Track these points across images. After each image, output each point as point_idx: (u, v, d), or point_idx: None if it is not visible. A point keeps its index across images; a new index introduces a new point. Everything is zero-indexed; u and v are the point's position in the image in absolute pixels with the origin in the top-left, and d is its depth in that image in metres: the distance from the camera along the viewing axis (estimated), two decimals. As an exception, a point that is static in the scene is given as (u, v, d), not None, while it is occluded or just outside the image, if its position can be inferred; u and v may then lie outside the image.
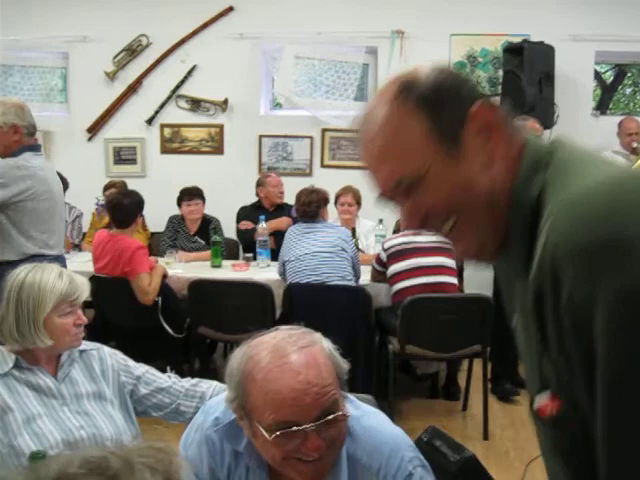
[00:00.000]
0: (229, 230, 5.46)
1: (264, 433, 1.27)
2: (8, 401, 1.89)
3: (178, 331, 4.28)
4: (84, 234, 5.57)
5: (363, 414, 1.46)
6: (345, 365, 1.36)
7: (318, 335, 1.38)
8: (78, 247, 5.42)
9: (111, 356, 2.11)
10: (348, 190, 5.08)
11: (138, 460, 0.76)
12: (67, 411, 1.95)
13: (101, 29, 6.24)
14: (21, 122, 3.27)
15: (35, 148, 3.42)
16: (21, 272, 1.97)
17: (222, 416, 1.45)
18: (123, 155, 6.42)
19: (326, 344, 1.36)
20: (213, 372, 4.42)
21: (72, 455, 0.74)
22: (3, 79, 6.71)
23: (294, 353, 1.29)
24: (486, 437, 3.98)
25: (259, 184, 5.41)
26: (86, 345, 2.09)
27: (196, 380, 2.15)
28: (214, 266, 4.79)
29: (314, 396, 1.25)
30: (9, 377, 1.93)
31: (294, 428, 1.25)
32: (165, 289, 4.24)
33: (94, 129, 6.44)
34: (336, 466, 1.38)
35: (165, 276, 4.27)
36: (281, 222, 5.03)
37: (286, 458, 1.30)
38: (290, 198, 4.90)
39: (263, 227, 4.82)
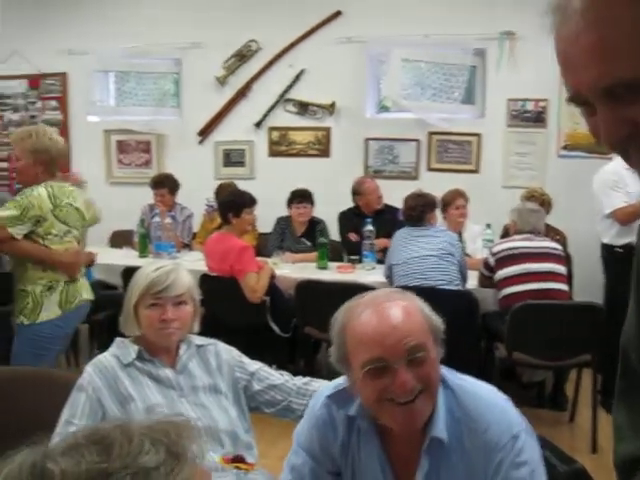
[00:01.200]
0: (334, 233, 5.63)
1: (358, 373, 1.46)
2: (131, 390, 2.04)
3: (285, 330, 4.49)
4: (194, 234, 5.88)
5: (468, 381, 1.59)
6: (440, 324, 1.53)
7: (413, 295, 1.56)
8: (188, 247, 5.73)
9: (227, 352, 2.23)
10: (459, 193, 5.15)
11: (140, 431, 0.77)
12: (185, 402, 2.07)
13: (212, 35, 6.58)
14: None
15: None
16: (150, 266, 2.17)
17: (332, 391, 1.64)
18: (232, 158, 6.74)
19: (420, 302, 1.54)
20: (318, 373, 4.59)
21: (85, 428, 0.80)
22: (120, 85, 7.19)
23: (387, 302, 1.49)
24: (594, 450, 3.96)
25: (356, 193, 5.51)
26: (203, 341, 2.22)
27: (307, 379, 2.24)
28: (320, 267, 4.98)
29: (400, 336, 1.43)
30: (132, 367, 2.09)
31: (382, 364, 1.43)
32: (273, 289, 4.46)
33: (205, 132, 6.79)
34: (433, 418, 1.50)
35: (273, 276, 4.48)
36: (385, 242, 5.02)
37: (380, 400, 1.44)
38: (396, 201, 5.03)
39: (370, 230, 4.96)
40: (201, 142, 6.85)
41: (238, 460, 1.94)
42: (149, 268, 2.11)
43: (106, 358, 2.11)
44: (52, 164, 3.50)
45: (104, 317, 4.98)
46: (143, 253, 5.45)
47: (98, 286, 5.08)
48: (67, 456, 0.74)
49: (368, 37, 6.21)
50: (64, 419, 1.97)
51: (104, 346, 4.77)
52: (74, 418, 1.97)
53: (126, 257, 5.42)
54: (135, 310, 2.08)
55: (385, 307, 1.47)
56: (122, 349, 2.13)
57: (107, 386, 2.04)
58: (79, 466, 0.73)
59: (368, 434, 1.58)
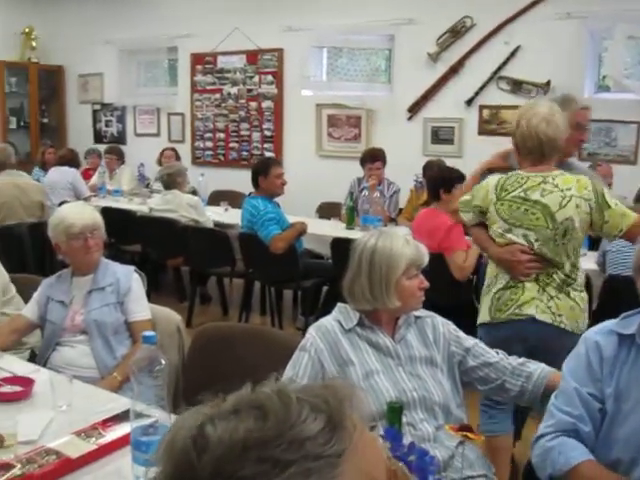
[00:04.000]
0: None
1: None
2: (351, 355, 2.21)
3: (486, 311, 4.81)
4: (400, 209, 6.35)
5: None
6: None
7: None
8: (394, 221, 6.23)
9: (443, 325, 2.35)
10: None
11: (299, 397, 0.79)
12: (402, 371, 2.21)
13: (426, 12, 7.06)
14: None
15: None
16: (370, 238, 2.28)
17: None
18: (441, 135, 7.17)
19: None
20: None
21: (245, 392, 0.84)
22: (333, 61, 7.84)
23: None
24: None
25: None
26: (421, 312, 2.36)
27: (523, 359, 2.30)
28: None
29: None
30: (352, 333, 2.26)
31: None
32: (480, 268, 4.79)
33: (414, 109, 7.30)
34: None
35: (481, 256, 4.81)
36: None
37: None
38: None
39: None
40: (410, 118, 7.35)
41: (466, 429, 1.96)
42: (398, 242, 2.23)
43: (329, 322, 2.30)
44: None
45: (311, 284, 5.61)
46: (350, 225, 6.02)
47: (306, 255, 5.73)
48: (226, 420, 0.77)
49: (589, 12, 6.34)
50: (287, 377, 2.15)
51: (310, 312, 5.43)
52: (297, 377, 2.17)
53: (334, 228, 5.99)
54: (395, 284, 2.22)
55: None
56: (344, 314, 2.30)
57: (328, 349, 2.22)
58: (236, 431, 0.75)
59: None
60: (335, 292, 5.49)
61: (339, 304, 2.38)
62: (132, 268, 3.09)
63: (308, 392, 0.80)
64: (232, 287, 7.01)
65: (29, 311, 3.02)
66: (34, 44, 10.14)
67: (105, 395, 2.47)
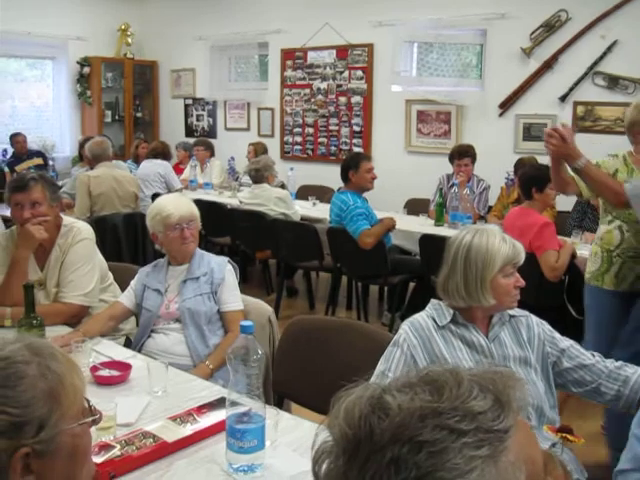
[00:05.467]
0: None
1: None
2: (444, 352, 2.21)
3: (581, 313, 4.68)
4: (489, 207, 6.26)
5: None
6: None
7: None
8: (484, 219, 6.15)
9: (538, 325, 2.32)
10: None
11: (469, 377, 0.85)
12: None
13: (519, 6, 6.95)
14: None
15: None
16: (466, 235, 2.25)
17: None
18: (533, 132, 7.05)
19: None
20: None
21: (418, 370, 0.90)
22: (423, 56, 7.80)
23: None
24: None
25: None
26: (516, 311, 2.33)
27: (620, 363, 2.25)
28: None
29: None
30: (446, 330, 2.26)
31: None
32: (572, 269, 4.69)
33: (506, 105, 7.18)
34: None
35: (574, 256, 4.71)
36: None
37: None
38: None
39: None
40: (501, 114, 7.24)
41: (566, 430, 1.92)
42: (494, 240, 2.21)
43: (422, 318, 2.29)
44: None
45: (398, 280, 5.59)
46: (439, 222, 5.97)
47: (394, 250, 5.72)
48: (402, 392, 0.83)
49: (693, 5, 6.09)
50: (379, 370, 2.20)
51: (396, 308, 5.42)
52: (389, 371, 2.18)
53: (422, 225, 5.96)
54: (491, 281, 2.20)
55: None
56: (438, 311, 2.29)
57: (421, 345, 2.22)
58: (413, 402, 0.81)
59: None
60: (422, 289, 5.53)
61: (432, 300, 2.37)
62: (226, 259, 3.14)
63: (477, 374, 0.86)
64: (318, 281, 7.07)
65: (126, 298, 3.12)
66: (130, 40, 10.44)
67: (198, 382, 2.53)
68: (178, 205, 3.07)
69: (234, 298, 3.05)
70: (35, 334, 2.43)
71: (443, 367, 0.88)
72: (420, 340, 2.23)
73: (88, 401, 1.23)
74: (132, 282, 3.15)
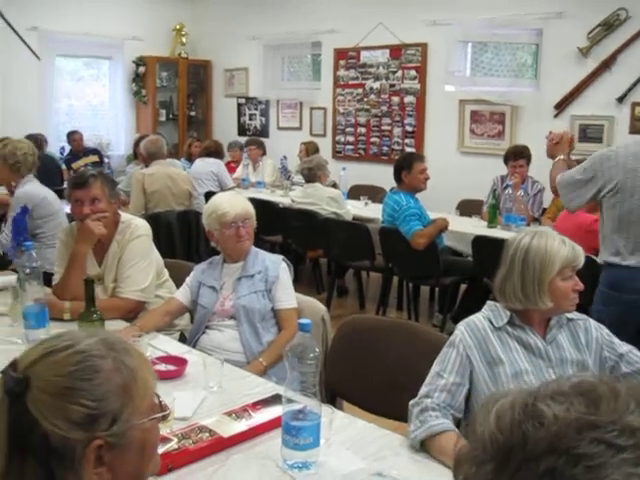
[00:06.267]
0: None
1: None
2: (500, 353, 2.19)
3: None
4: (544, 209, 6.18)
5: None
6: None
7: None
8: (538, 221, 6.07)
9: (596, 329, 2.29)
10: None
11: (625, 391, 0.80)
12: (552, 374, 2.16)
13: (577, 4, 6.84)
14: None
15: None
16: (525, 237, 2.24)
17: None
18: (589, 133, 6.94)
19: None
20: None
21: (568, 377, 0.86)
22: (477, 55, 7.74)
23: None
24: None
25: None
26: (574, 315, 2.31)
27: None
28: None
29: None
30: (502, 331, 2.23)
31: None
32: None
33: (561, 105, 7.09)
34: None
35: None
36: None
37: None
38: None
39: None
40: (556, 115, 7.16)
41: None
42: (553, 242, 2.20)
43: (478, 319, 2.27)
44: None
45: (450, 282, 5.56)
46: (492, 224, 5.92)
47: (447, 252, 5.69)
48: (556, 401, 0.80)
49: None
50: (434, 371, 2.19)
51: (447, 310, 5.39)
52: (444, 372, 2.16)
53: (475, 226, 5.90)
54: (549, 284, 2.18)
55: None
56: (494, 312, 2.27)
57: (477, 346, 2.20)
58: (569, 413, 0.77)
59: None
60: (475, 291, 5.49)
61: (489, 302, 2.34)
62: (280, 257, 3.17)
63: (632, 387, 0.82)
64: (369, 281, 7.07)
65: (181, 295, 3.16)
66: (184, 40, 10.57)
67: (252, 379, 2.56)
68: (234, 203, 3.10)
69: (288, 296, 3.07)
70: (95, 328, 2.48)
71: (595, 376, 0.84)
72: (476, 341, 2.22)
73: (158, 396, 1.27)
74: (187, 279, 3.19)
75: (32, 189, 4.56)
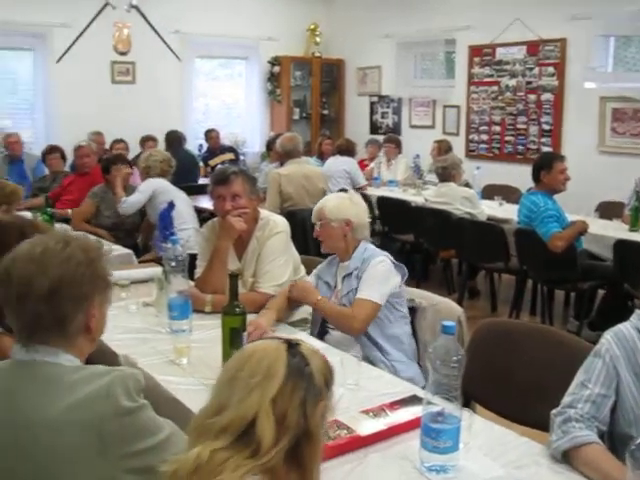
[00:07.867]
0: None
1: None
2: None
3: None
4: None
5: None
6: None
7: None
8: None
9: None
10: None
11: None
12: None
13: None
14: None
15: None
16: None
17: None
18: None
19: None
20: None
21: None
22: (621, 50, 7.41)
23: None
24: None
25: None
26: None
27: None
28: None
29: None
30: None
31: None
32: None
33: None
34: None
35: None
36: None
37: None
38: None
39: None
40: None
41: None
42: None
43: (627, 328, 2.15)
44: None
45: (587, 287, 5.36)
46: (634, 227, 5.66)
47: (585, 255, 5.48)
48: None
49: None
50: (579, 381, 2.09)
51: (584, 316, 5.20)
52: (589, 382, 2.07)
53: (616, 230, 5.67)
54: None
55: None
56: None
57: (625, 356, 2.08)
58: None
59: None
60: (614, 297, 5.27)
61: (637, 310, 2.20)
62: (381, 256, 3.10)
63: None
64: (501, 283, 6.93)
65: None
66: (318, 39, 10.71)
67: (389, 378, 2.56)
68: (317, 205, 3.23)
69: (367, 287, 3.00)
70: (236, 321, 2.55)
71: None
72: (624, 351, 2.08)
73: None
74: (312, 273, 3.32)
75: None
